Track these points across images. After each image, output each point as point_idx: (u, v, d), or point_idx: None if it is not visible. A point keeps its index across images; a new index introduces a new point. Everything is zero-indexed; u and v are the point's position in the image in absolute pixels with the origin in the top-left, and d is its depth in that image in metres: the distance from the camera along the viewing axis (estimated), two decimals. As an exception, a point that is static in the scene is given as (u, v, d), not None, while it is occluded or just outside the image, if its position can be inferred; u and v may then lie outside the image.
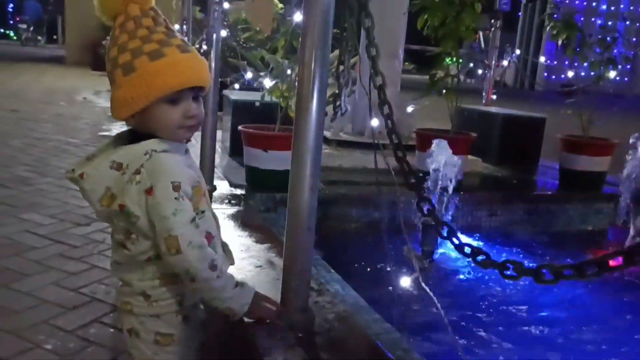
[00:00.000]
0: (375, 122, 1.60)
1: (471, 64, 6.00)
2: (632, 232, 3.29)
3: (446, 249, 2.87)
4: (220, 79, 3.05)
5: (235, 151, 3.74)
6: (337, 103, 1.77)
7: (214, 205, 2.69)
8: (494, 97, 5.35)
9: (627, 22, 18.41)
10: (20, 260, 2.54)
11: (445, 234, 1.37)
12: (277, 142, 3.01)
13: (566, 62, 4.46)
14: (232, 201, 2.86)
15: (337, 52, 1.77)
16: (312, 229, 1.48)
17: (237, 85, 4.72)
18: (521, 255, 3.07)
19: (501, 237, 3.32)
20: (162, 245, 1.11)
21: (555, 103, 4.39)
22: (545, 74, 24.55)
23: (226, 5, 3.03)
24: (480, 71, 5.66)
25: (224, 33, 3.07)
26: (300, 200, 1.46)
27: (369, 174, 3.59)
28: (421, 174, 2.74)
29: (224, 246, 1.33)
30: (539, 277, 1.08)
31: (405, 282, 1.80)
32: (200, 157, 2.92)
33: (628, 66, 4.38)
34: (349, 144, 4.24)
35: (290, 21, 3.07)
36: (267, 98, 3.31)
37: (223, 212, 2.63)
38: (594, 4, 25.25)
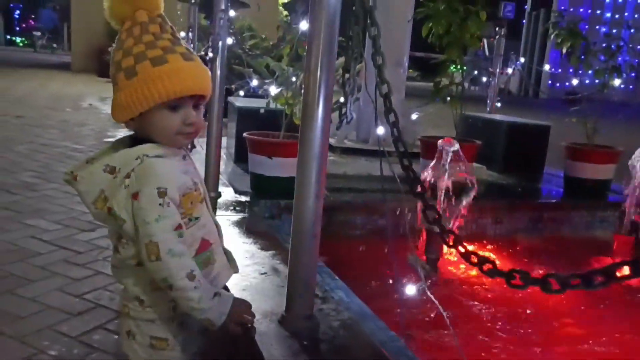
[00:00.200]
0: (380, 130, 1.60)
1: (475, 72, 6.01)
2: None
3: (451, 257, 2.86)
4: (225, 86, 3.06)
5: (240, 158, 3.75)
6: (343, 111, 1.76)
7: (218, 212, 2.72)
8: (499, 104, 5.33)
9: (632, 30, 18.39)
10: (25, 266, 2.55)
11: (451, 242, 1.36)
12: (281, 149, 3.02)
13: (571, 70, 4.45)
14: (237, 208, 2.86)
15: (342, 59, 1.77)
16: (317, 236, 1.48)
17: (242, 93, 4.74)
18: (526, 262, 3.07)
19: (506, 245, 3.31)
20: (143, 251, 1.11)
21: (560, 111, 4.39)
22: (550, 82, 24.59)
23: (232, 12, 3.04)
24: (484, 79, 5.66)
25: (229, 40, 3.09)
26: (305, 207, 1.46)
27: (373, 182, 3.60)
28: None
29: (228, 254, 1.32)
30: (545, 287, 1.07)
31: (410, 289, 1.80)
32: (206, 164, 2.93)
33: (633, 74, 4.36)
34: (353, 151, 4.25)
35: (296, 29, 3.08)
36: (272, 105, 3.33)
37: (228, 218, 2.63)
38: (598, 12, 25.31)
